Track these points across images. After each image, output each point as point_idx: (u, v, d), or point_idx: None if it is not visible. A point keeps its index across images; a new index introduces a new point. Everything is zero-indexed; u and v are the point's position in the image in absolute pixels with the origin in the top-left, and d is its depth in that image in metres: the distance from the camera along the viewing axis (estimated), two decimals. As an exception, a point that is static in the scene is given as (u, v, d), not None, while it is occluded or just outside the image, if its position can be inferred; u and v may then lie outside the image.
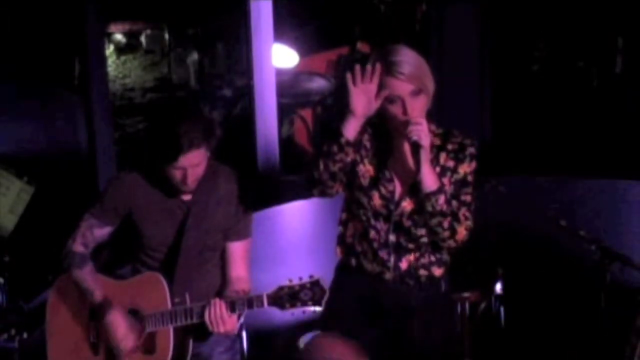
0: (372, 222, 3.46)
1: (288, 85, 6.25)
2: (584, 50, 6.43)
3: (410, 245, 3.45)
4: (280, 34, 5.93)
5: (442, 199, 3.32)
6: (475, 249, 5.57)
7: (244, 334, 4.03)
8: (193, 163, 3.45)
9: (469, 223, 3.40)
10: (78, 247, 3.66)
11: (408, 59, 3.32)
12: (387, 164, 3.44)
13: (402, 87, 3.30)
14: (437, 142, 3.42)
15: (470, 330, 4.91)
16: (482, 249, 5.58)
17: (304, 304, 3.30)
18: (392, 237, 3.45)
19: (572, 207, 5.58)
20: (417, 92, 3.32)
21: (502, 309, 5.19)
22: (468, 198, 3.41)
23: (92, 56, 5.05)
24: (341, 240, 3.58)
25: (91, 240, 3.66)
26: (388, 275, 3.48)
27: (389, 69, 3.29)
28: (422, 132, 3.28)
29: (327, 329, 3.64)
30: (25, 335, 4.05)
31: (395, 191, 3.43)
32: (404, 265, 3.47)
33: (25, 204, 4.44)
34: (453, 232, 3.38)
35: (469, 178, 3.42)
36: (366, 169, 3.45)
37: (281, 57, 6.06)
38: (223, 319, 3.43)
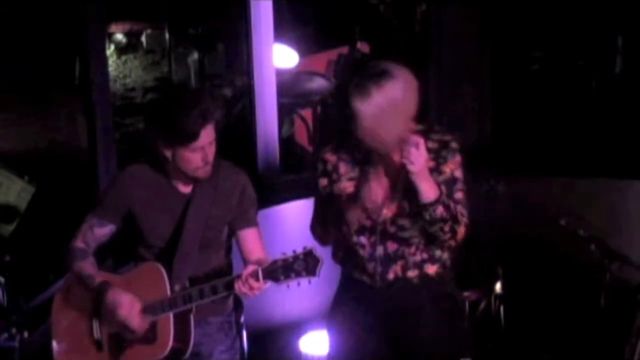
0: (355, 238, 3.45)
1: (288, 85, 6.25)
2: (583, 50, 6.43)
3: (399, 253, 3.44)
4: (280, 34, 5.93)
5: (439, 209, 3.30)
6: (475, 249, 5.59)
7: (244, 334, 4.04)
8: (210, 139, 3.45)
9: (466, 220, 3.40)
10: (79, 244, 3.68)
11: (367, 108, 3.26)
12: (366, 175, 3.42)
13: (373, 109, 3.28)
14: None
15: (470, 330, 4.91)
16: (482, 248, 5.59)
17: (298, 274, 3.28)
18: (379, 250, 3.44)
19: (573, 207, 5.58)
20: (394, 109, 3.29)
21: (502, 309, 5.19)
22: (460, 195, 3.40)
23: (92, 56, 5.05)
24: (334, 253, 3.59)
25: (92, 239, 3.67)
26: (378, 285, 3.48)
27: (362, 96, 3.27)
28: (419, 157, 3.23)
29: (333, 330, 3.65)
30: (25, 334, 4.06)
31: (376, 200, 3.41)
32: (390, 276, 3.46)
33: (26, 203, 4.45)
34: (454, 233, 3.37)
35: (457, 174, 3.40)
36: (344, 186, 3.44)
37: (281, 57, 6.06)
38: (252, 286, 3.38)
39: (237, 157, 3.98)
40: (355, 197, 3.40)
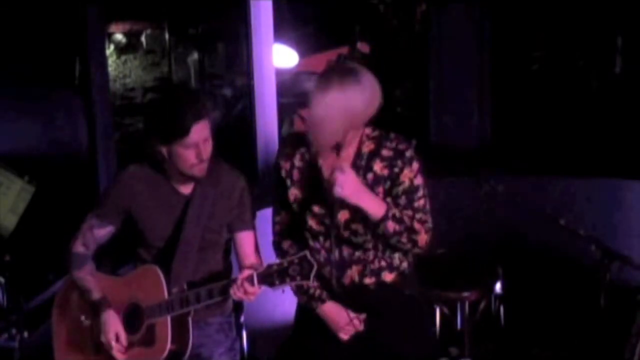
0: (311, 242, 3.44)
1: (288, 85, 6.25)
2: (583, 50, 6.43)
3: (355, 258, 3.43)
4: (280, 34, 5.93)
5: (389, 224, 3.28)
6: (476, 248, 5.58)
7: (244, 334, 4.04)
8: (203, 136, 3.45)
9: (428, 225, 3.37)
10: (78, 248, 3.68)
11: (320, 100, 3.29)
12: (316, 181, 3.41)
13: (320, 107, 3.30)
14: (372, 146, 3.37)
15: (471, 330, 4.92)
16: (482, 249, 5.59)
17: (293, 279, 3.28)
18: (335, 254, 3.42)
19: (572, 207, 5.58)
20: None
21: (502, 309, 5.20)
22: (421, 202, 3.37)
23: (92, 56, 5.05)
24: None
25: (92, 240, 3.67)
26: (335, 290, 3.47)
27: (318, 87, 3.30)
28: (347, 181, 3.23)
29: (297, 335, 3.64)
30: (25, 334, 4.05)
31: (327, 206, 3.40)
32: (346, 280, 3.46)
33: (26, 203, 4.43)
34: (414, 242, 3.35)
35: (416, 182, 3.36)
36: (296, 193, 3.44)
37: (281, 57, 6.06)
38: (247, 291, 3.39)
39: (237, 157, 3.98)
40: (306, 206, 3.40)
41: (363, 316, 3.47)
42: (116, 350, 3.59)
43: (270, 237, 3.69)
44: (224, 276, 3.64)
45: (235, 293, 3.38)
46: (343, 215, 3.38)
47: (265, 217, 3.75)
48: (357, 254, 3.42)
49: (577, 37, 6.41)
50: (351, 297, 3.46)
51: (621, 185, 5.87)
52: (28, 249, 4.54)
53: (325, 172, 3.40)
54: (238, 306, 3.85)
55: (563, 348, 5.27)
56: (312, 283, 3.34)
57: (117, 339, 3.59)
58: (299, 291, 3.49)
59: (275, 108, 5.71)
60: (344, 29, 6.78)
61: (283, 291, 3.35)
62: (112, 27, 7.08)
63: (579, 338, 5.11)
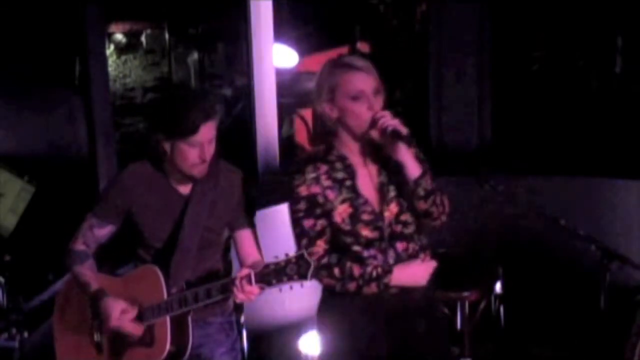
0: (365, 253, 3.41)
1: (288, 85, 6.26)
2: (583, 50, 6.44)
3: (410, 252, 3.42)
4: (280, 34, 5.93)
5: (428, 179, 3.32)
6: (475, 249, 5.58)
7: (244, 334, 4.04)
8: (210, 136, 3.45)
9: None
10: (79, 246, 3.67)
11: (360, 58, 3.37)
12: (356, 190, 3.38)
13: (366, 80, 3.31)
14: None
15: (471, 330, 4.92)
16: (482, 248, 5.59)
17: (290, 278, 3.26)
18: (391, 254, 3.41)
19: (572, 207, 5.58)
20: (377, 91, 3.32)
21: (502, 309, 5.20)
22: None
23: (92, 56, 5.06)
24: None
25: (92, 240, 3.67)
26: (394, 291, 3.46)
27: (349, 66, 3.32)
28: (394, 119, 3.28)
29: (335, 336, 3.59)
30: (25, 334, 4.06)
31: (375, 209, 3.39)
32: None
33: (26, 203, 4.44)
34: (443, 205, 3.39)
35: (421, 156, 3.42)
36: (342, 210, 3.39)
37: (281, 57, 6.07)
38: (245, 289, 3.37)
39: (237, 157, 3.98)
40: (356, 219, 3.37)
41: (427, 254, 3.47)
42: (131, 327, 3.54)
43: (269, 238, 3.68)
44: (223, 275, 3.63)
45: (238, 296, 3.37)
46: (392, 211, 3.38)
47: (265, 217, 3.75)
48: (410, 246, 3.42)
49: (577, 37, 6.41)
50: (406, 292, 3.45)
51: (621, 185, 5.86)
52: (28, 249, 4.54)
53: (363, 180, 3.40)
54: (238, 306, 3.84)
55: (563, 348, 5.27)
56: (360, 271, 3.33)
57: (122, 317, 3.52)
58: (365, 284, 3.37)
59: (275, 108, 5.71)
60: (344, 29, 6.79)
61: (280, 290, 3.34)
62: (112, 27, 7.10)
63: (579, 338, 5.11)
